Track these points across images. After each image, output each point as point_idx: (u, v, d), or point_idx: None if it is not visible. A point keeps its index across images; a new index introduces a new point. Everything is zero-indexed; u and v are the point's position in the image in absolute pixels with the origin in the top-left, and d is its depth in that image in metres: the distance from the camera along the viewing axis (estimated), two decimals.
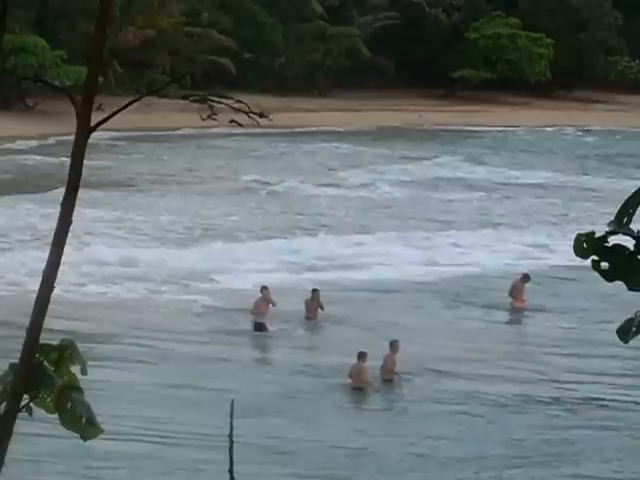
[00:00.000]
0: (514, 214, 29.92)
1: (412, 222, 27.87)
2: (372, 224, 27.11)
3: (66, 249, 1.84)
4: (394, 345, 15.62)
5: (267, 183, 33.61)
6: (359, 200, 31.10)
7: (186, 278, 20.64)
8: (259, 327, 17.64)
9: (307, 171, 37.03)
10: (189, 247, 23.63)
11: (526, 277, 19.70)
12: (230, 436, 2.16)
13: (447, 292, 20.69)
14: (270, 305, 17.92)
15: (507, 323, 19.45)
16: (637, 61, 63.93)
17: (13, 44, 44.65)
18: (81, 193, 1.92)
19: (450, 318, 19.10)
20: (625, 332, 1.70)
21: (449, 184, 35.21)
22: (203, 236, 25.15)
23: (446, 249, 24.10)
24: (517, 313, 19.57)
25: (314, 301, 18.26)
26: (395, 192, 32.87)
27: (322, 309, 18.29)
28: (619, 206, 1.73)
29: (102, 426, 2.23)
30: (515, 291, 19.50)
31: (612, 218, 1.74)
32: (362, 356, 15.16)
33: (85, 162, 1.95)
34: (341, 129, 49.49)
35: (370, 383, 15.28)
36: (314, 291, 18.44)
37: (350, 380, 15.31)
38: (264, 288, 18.07)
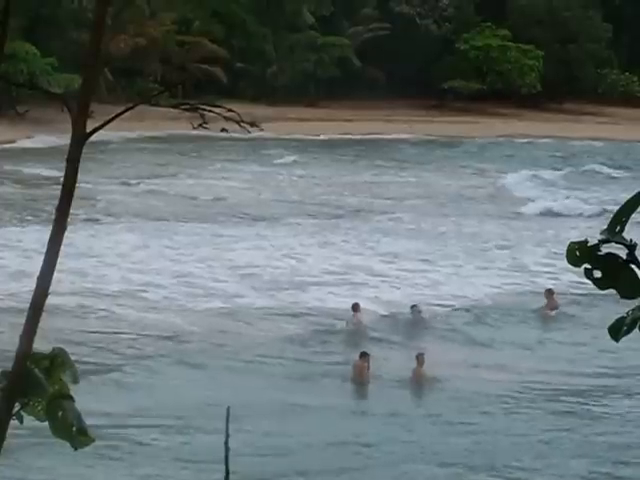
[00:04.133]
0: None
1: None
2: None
3: None
4: (420, 358, 15.98)
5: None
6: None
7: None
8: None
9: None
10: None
11: (550, 291, 19.93)
12: (226, 443, 2.15)
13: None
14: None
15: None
16: (627, 73, 64.27)
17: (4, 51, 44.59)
18: None
19: None
20: (616, 330, 1.72)
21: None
22: None
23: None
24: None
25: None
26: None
27: None
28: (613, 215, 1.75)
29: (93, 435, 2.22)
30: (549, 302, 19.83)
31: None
32: (364, 355, 15.97)
33: None
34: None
35: (369, 381, 15.87)
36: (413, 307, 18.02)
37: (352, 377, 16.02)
38: (356, 305, 17.61)
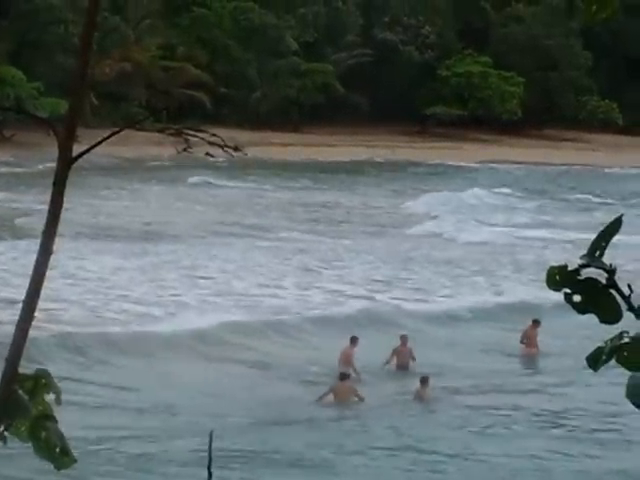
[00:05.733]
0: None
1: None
2: None
3: None
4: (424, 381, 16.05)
5: None
6: None
7: None
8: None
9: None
10: None
11: (537, 322, 19.07)
12: (209, 468, 2.16)
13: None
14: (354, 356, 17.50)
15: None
16: (606, 101, 64.91)
17: None
18: None
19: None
20: (595, 360, 1.73)
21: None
22: None
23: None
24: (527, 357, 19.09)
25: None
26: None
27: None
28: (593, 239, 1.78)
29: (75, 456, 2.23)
30: (529, 338, 18.98)
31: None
32: (345, 376, 16.04)
33: None
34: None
35: (357, 398, 15.84)
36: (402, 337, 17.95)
37: (332, 399, 15.80)
38: (355, 338, 17.65)
